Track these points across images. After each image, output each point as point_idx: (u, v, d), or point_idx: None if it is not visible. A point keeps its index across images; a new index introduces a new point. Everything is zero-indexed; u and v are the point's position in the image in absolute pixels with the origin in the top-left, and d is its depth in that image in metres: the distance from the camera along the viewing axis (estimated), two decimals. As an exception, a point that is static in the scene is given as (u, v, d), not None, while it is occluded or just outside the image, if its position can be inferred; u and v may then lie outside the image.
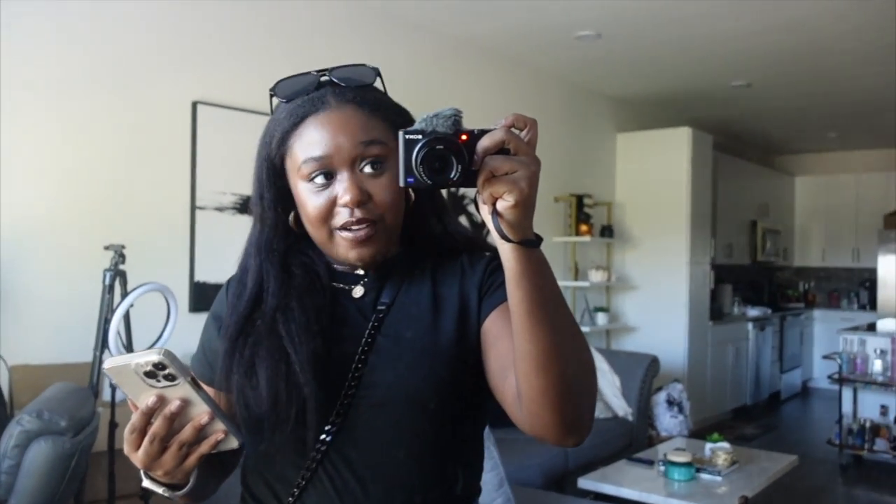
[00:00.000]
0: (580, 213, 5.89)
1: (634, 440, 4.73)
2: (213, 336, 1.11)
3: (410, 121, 1.03)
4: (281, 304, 1.02)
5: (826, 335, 8.63)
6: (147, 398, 0.87)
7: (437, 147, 0.78)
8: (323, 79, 1.03)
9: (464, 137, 0.79)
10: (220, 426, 0.90)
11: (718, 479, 3.44)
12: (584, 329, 5.77)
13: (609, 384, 4.74)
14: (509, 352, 0.92)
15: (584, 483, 3.45)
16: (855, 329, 5.98)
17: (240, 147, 3.41)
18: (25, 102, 2.97)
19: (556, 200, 5.82)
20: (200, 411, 0.89)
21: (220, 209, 3.59)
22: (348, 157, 0.98)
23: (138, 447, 0.89)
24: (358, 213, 0.98)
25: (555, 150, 5.71)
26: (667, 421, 5.33)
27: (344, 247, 1.01)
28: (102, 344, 2.72)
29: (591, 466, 3.82)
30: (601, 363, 4.79)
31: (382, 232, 1.01)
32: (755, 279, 8.94)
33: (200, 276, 3.52)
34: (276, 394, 0.96)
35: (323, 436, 0.98)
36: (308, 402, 0.96)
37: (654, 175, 6.40)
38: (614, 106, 6.61)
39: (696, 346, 6.39)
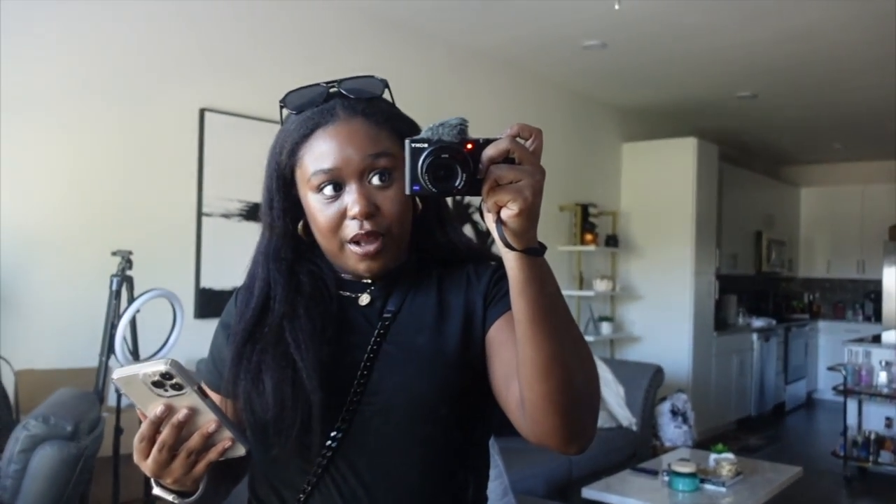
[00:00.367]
0: (585, 222, 5.90)
1: (638, 450, 4.72)
2: (222, 344, 1.12)
3: (418, 131, 1.04)
4: (288, 311, 1.03)
5: (831, 346, 8.60)
6: (155, 407, 0.89)
7: (443, 156, 0.79)
8: (332, 90, 1.04)
9: (469, 146, 0.80)
10: (227, 434, 0.92)
11: (722, 489, 3.43)
12: (589, 338, 5.76)
13: (613, 394, 4.73)
14: (513, 359, 0.93)
15: (588, 493, 3.44)
16: (860, 340, 5.97)
17: (247, 154, 3.46)
18: (35, 110, 3.00)
19: (562, 209, 5.83)
20: (208, 420, 0.91)
21: (226, 216, 3.60)
22: (357, 169, 1.00)
23: (147, 455, 0.91)
24: (367, 226, 0.99)
25: (560, 160, 5.72)
26: (671, 431, 5.32)
27: (354, 259, 1.02)
28: (109, 349, 2.73)
29: (594, 476, 3.81)
30: (605, 373, 4.79)
31: (391, 244, 1.02)
32: (760, 290, 8.91)
33: (206, 283, 3.54)
34: (283, 400, 0.98)
35: (329, 442, 0.99)
36: (314, 408, 0.97)
37: (660, 185, 6.41)
38: (620, 116, 6.62)
39: (701, 356, 6.38)
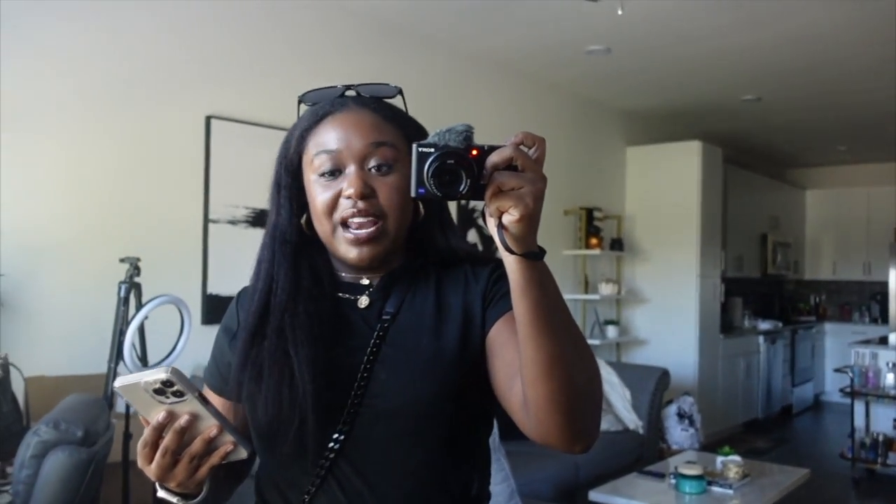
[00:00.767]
0: (590, 226, 5.90)
1: (645, 453, 4.72)
2: (224, 348, 1.15)
3: (425, 135, 1.06)
4: (289, 304, 1.05)
5: (837, 348, 8.58)
6: (157, 414, 0.92)
7: (448, 161, 0.81)
8: (349, 93, 1.09)
9: (474, 153, 0.82)
10: (228, 438, 0.95)
11: (730, 492, 3.43)
12: (594, 342, 5.78)
13: (619, 397, 4.73)
14: (515, 359, 0.95)
15: (595, 496, 3.45)
16: (867, 342, 5.97)
17: (253, 161, 3.48)
18: (43, 118, 3.02)
19: (566, 214, 5.84)
20: (209, 425, 0.94)
21: (232, 222, 3.63)
22: (357, 153, 1.03)
23: (151, 460, 0.94)
24: (360, 205, 1.02)
25: (565, 164, 5.73)
26: (677, 434, 5.32)
27: (345, 245, 1.04)
28: (117, 355, 2.75)
29: (601, 479, 3.81)
30: (611, 376, 4.79)
31: (384, 234, 1.04)
32: (766, 292, 8.90)
33: (213, 289, 3.56)
34: (280, 400, 1.00)
35: (331, 444, 1.01)
36: (309, 406, 0.99)
37: (665, 188, 6.41)
38: (624, 119, 6.63)
39: (707, 359, 6.38)
